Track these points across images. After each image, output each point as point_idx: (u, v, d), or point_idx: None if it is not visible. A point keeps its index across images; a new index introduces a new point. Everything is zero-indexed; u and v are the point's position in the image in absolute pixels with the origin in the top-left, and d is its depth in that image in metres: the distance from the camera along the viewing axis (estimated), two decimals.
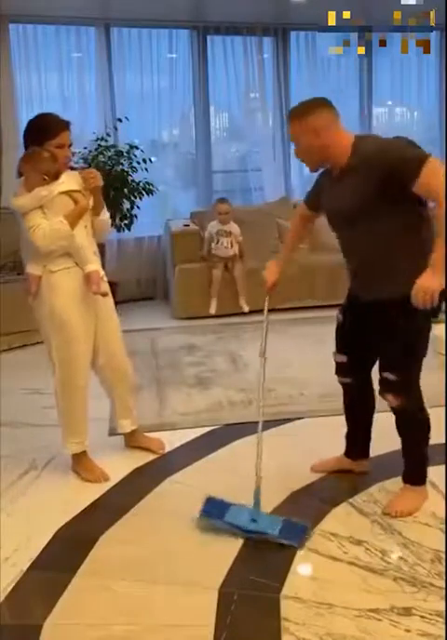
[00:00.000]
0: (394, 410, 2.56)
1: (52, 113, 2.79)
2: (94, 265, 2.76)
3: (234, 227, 5.63)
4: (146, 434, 3.22)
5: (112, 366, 2.97)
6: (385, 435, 3.21)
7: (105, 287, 2.83)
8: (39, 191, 2.66)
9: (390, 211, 2.28)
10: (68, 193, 2.72)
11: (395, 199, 2.25)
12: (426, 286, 2.22)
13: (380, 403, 3.75)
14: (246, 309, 5.48)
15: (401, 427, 2.60)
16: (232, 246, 5.57)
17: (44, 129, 2.68)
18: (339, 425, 3.14)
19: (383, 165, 2.23)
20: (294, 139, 2.43)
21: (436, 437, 3.03)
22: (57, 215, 2.67)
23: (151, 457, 3.10)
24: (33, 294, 2.75)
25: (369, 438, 2.84)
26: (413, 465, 2.63)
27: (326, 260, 5.76)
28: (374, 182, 2.24)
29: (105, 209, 2.91)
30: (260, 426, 2.59)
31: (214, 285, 5.53)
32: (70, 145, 2.77)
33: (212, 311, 5.47)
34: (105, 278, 2.89)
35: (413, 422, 2.60)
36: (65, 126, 2.73)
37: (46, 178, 2.65)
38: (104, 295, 2.79)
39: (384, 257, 2.37)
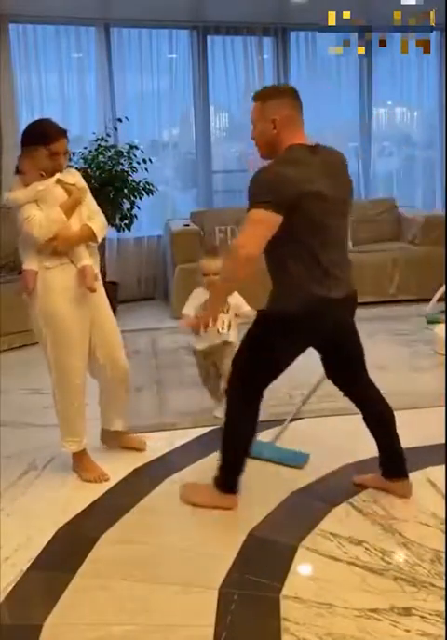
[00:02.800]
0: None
1: (50, 119, 2.82)
2: (88, 260, 2.78)
3: (233, 296, 3.21)
4: (128, 435, 3.21)
5: (113, 366, 2.96)
6: None
7: (97, 284, 2.82)
8: (35, 185, 2.70)
9: None
10: (62, 184, 2.75)
11: None
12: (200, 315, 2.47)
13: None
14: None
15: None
16: (229, 327, 3.34)
17: (40, 135, 2.71)
18: (339, 425, 3.15)
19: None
20: (253, 118, 2.41)
21: (436, 437, 3.04)
22: (51, 208, 2.69)
23: (151, 457, 3.10)
24: (29, 291, 2.75)
25: (390, 456, 2.66)
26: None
27: None
28: None
29: (99, 216, 2.89)
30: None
31: (207, 380, 3.57)
32: (66, 153, 2.80)
33: (218, 414, 3.32)
34: (99, 277, 2.89)
35: (225, 426, 2.59)
36: (62, 133, 2.75)
37: (43, 174, 2.71)
38: (92, 291, 2.77)
39: (270, 271, 2.44)
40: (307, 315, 2.34)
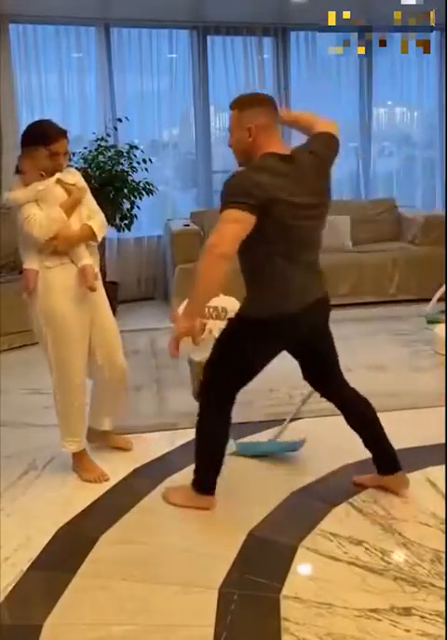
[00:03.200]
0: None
1: (50, 120, 2.84)
2: (88, 260, 2.79)
3: (229, 300, 3.20)
4: (115, 435, 3.19)
5: (111, 367, 2.96)
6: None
7: (97, 284, 2.84)
8: (35, 185, 2.72)
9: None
10: (62, 184, 2.77)
11: None
12: (174, 329, 2.37)
13: (387, 404, 3.75)
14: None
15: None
16: None
17: (40, 136, 2.73)
18: (339, 425, 3.14)
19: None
20: (230, 126, 2.43)
21: (436, 437, 3.04)
22: (51, 207, 2.71)
23: (151, 457, 3.10)
24: (30, 290, 2.75)
25: (380, 452, 2.69)
26: None
27: (326, 260, 5.76)
28: None
29: (98, 216, 2.91)
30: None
31: None
32: (66, 153, 2.82)
33: None
34: (99, 276, 2.91)
35: (197, 429, 2.61)
36: (62, 134, 2.78)
37: (43, 174, 2.72)
38: (93, 290, 2.79)
39: (244, 273, 2.45)
40: (282, 321, 2.36)
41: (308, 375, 2.72)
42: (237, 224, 2.21)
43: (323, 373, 2.70)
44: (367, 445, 2.68)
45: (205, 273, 2.28)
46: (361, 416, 2.67)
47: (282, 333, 2.43)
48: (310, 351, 2.62)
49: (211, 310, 3.11)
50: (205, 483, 2.64)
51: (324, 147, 2.48)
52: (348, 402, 2.68)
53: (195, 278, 2.30)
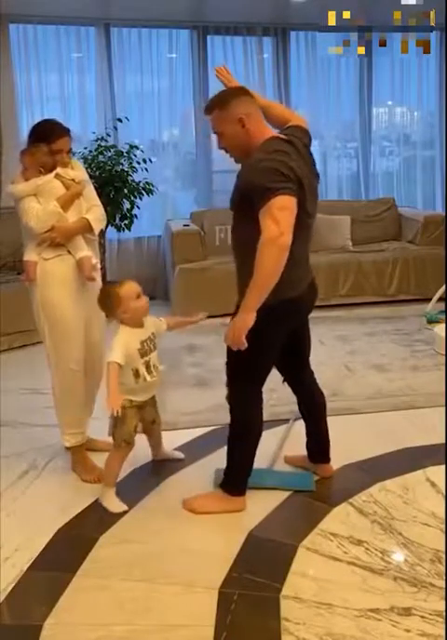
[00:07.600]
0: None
1: (55, 119, 2.91)
2: (86, 251, 2.83)
3: (153, 321, 2.70)
4: (94, 439, 3.13)
5: (92, 367, 2.97)
6: (384, 435, 3.22)
7: (97, 275, 2.88)
8: (35, 180, 2.78)
9: (253, 224, 2.22)
10: (61, 178, 2.81)
11: (253, 216, 2.22)
12: (236, 325, 2.30)
13: (387, 404, 3.75)
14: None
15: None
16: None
17: (42, 134, 2.80)
18: (339, 425, 3.14)
19: (240, 178, 2.29)
20: (218, 128, 2.39)
21: (436, 437, 3.05)
22: (49, 201, 2.76)
23: (151, 457, 3.09)
24: (30, 280, 2.80)
25: (319, 442, 2.83)
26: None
27: (326, 260, 5.77)
28: (239, 191, 2.31)
29: (96, 208, 2.94)
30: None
31: (113, 468, 2.72)
32: (68, 151, 2.88)
33: (115, 508, 2.65)
34: (98, 266, 2.94)
35: (232, 426, 2.60)
36: (65, 132, 2.85)
37: (42, 170, 2.79)
38: (91, 280, 2.83)
39: (243, 264, 2.36)
40: (289, 304, 2.39)
41: (283, 360, 2.69)
42: (289, 211, 2.18)
43: (299, 358, 2.75)
44: (309, 431, 2.83)
45: (270, 264, 2.18)
46: (315, 407, 2.81)
47: (288, 317, 2.45)
48: (295, 335, 2.63)
49: (149, 342, 2.60)
50: (238, 483, 2.61)
51: (308, 140, 2.51)
52: (309, 388, 2.80)
53: (255, 271, 2.19)
